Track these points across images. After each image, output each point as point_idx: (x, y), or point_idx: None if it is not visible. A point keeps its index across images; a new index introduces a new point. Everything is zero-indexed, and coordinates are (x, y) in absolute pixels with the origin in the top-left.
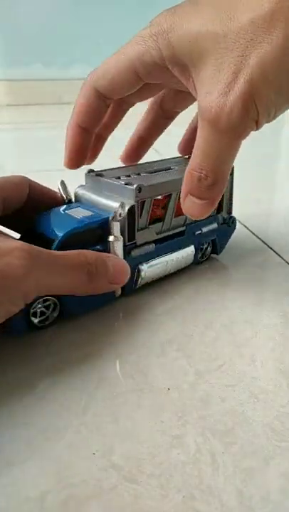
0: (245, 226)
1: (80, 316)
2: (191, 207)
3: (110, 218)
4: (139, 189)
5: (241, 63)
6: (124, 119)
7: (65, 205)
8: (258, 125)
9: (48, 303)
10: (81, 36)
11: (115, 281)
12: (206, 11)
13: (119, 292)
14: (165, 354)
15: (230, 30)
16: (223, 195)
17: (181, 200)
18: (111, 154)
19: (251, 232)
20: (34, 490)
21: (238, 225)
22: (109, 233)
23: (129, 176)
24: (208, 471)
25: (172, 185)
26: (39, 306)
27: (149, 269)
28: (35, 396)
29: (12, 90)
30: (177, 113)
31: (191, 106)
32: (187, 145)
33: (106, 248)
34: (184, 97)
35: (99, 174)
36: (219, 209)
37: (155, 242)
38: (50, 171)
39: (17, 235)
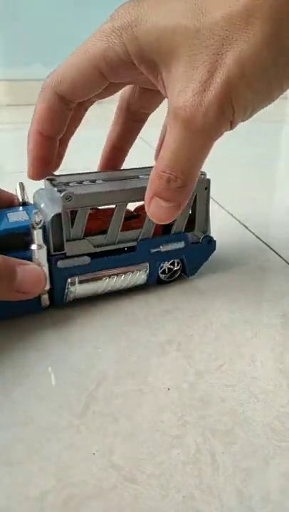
0: (245, 226)
1: (75, 315)
2: (157, 210)
3: (30, 226)
4: (67, 197)
5: (217, 61)
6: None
7: (16, 207)
8: (232, 125)
9: None
10: (81, 36)
11: (23, 289)
12: (175, 3)
13: (47, 303)
14: (165, 354)
15: (202, 25)
16: (196, 213)
17: (146, 203)
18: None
19: (251, 232)
20: (34, 490)
21: (238, 225)
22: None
23: (81, 182)
24: (208, 471)
25: (115, 196)
26: None
27: (80, 284)
28: (35, 396)
29: (12, 90)
30: (146, 115)
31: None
32: None
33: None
34: (151, 96)
35: (50, 179)
36: (190, 227)
37: (93, 255)
38: None
39: None
